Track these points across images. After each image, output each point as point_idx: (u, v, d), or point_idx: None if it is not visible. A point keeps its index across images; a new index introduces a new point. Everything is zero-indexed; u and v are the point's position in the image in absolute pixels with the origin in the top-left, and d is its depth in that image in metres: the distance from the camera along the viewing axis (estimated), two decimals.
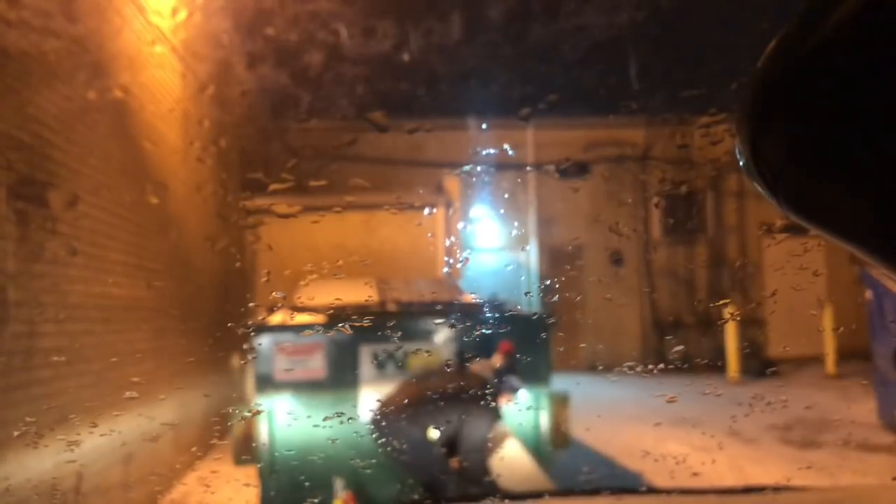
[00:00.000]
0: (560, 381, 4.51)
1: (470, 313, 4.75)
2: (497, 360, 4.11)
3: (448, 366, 4.18)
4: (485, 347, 4.15)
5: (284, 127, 8.89)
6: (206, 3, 5.35)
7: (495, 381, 4.04)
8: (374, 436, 3.95)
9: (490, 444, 4.04)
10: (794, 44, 0.50)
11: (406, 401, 3.93)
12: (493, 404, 4.04)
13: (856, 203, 0.50)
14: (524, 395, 4.19)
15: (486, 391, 3.97)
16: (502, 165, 10.84)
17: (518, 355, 4.15)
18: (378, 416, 3.98)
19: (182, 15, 5.39)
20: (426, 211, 6.26)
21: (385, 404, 3.99)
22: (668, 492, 1.68)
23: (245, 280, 6.12)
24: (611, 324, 10.98)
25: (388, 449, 3.85)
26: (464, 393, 3.95)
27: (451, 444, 3.92)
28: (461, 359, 4.18)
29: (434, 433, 3.88)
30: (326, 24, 6.97)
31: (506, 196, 10.46)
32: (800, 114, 0.50)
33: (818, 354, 9.82)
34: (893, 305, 6.50)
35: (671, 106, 9.29)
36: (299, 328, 4.19)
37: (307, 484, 3.81)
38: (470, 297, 5.16)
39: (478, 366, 4.13)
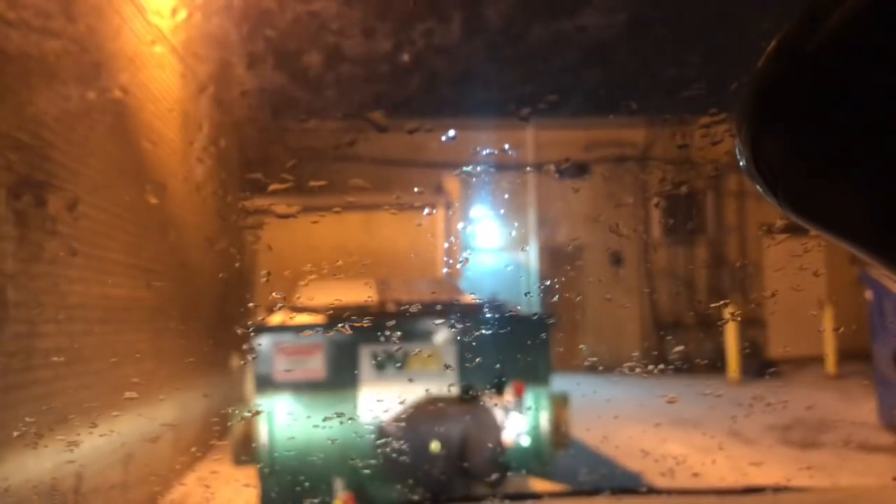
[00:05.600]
0: (560, 381, 4.51)
1: (470, 314, 4.75)
2: (508, 398, 4.14)
3: (467, 393, 4.19)
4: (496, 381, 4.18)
5: (284, 127, 8.89)
6: (206, 3, 5.34)
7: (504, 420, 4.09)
8: (378, 441, 3.95)
9: (496, 446, 4.05)
10: (794, 44, 0.49)
11: (417, 424, 3.95)
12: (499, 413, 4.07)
13: (856, 203, 0.50)
14: (525, 440, 4.22)
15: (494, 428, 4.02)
16: (502, 165, 10.84)
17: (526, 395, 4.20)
18: (387, 428, 3.99)
19: (182, 15, 5.39)
20: (426, 211, 6.25)
21: (396, 420, 3.99)
22: (668, 492, 1.68)
23: (245, 280, 6.11)
24: (611, 324, 10.98)
25: (392, 455, 3.85)
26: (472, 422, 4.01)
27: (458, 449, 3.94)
28: (470, 389, 4.19)
29: (437, 445, 3.88)
30: (326, 24, 6.97)
31: (506, 196, 10.45)
32: (800, 114, 0.49)
33: (818, 355, 9.82)
34: (893, 306, 6.50)
35: (671, 106, 9.28)
36: (299, 328, 4.19)
37: (307, 484, 3.81)
38: (470, 298, 5.16)
39: (490, 401, 4.15)
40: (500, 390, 4.11)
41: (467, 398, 4.12)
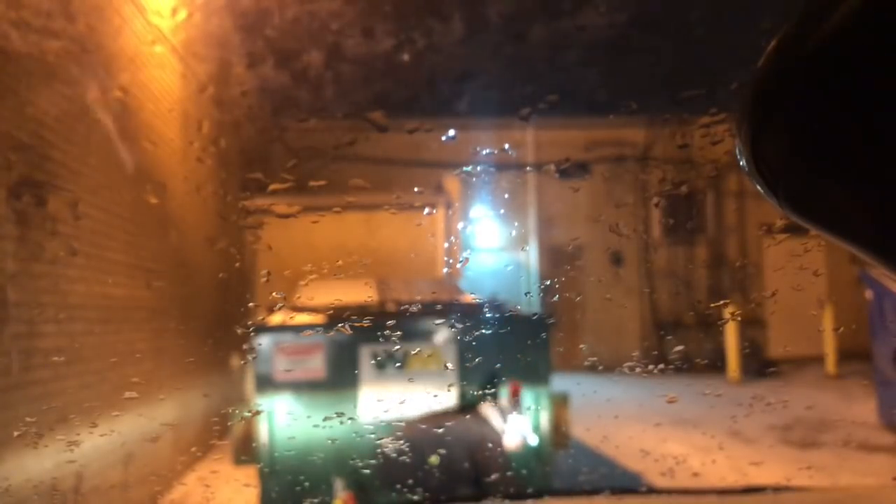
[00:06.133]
0: (560, 381, 4.51)
1: (470, 313, 4.75)
2: (506, 402, 4.12)
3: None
4: (491, 383, 4.15)
5: (284, 127, 8.89)
6: (206, 3, 5.34)
7: (505, 424, 4.07)
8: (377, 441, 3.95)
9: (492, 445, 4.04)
10: (794, 44, 0.49)
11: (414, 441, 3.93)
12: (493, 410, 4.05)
13: (856, 203, 0.50)
14: (533, 439, 4.20)
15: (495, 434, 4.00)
16: (502, 165, 10.84)
17: (523, 394, 4.17)
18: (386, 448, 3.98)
19: (182, 15, 5.39)
20: (426, 211, 6.25)
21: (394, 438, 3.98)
22: (668, 492, 1.68)
23: (245, 280, 6.12)
24: (611, 324, 10.98)
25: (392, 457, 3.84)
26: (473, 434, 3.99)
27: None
28: (469, 399, 4.16)
29: (435, 459, 3.86)
30: (326, 24, 6.97)
31: (506, 196, 10.45)
32: (800, 114, 0.50)
33: (818, 354, 9.82)
34: (893, 305, 6.50)
35: (671, 106, 9.29)
36: (299, 328, 4.19)
37: (307, 484, 3.81)
38: (470, 298, 5.16)
39: (487, 408, 4.13)
40: (496, 394, 4.10)
41: (466, 405, 4.10)
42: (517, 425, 4.08)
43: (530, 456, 4.29)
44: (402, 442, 3.79)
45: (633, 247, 12.04)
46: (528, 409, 4.28)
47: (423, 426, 3.94)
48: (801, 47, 0.49)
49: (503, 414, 4.08)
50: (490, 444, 4.01)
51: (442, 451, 3.85)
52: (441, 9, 8.43)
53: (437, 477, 3.80)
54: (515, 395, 4.13)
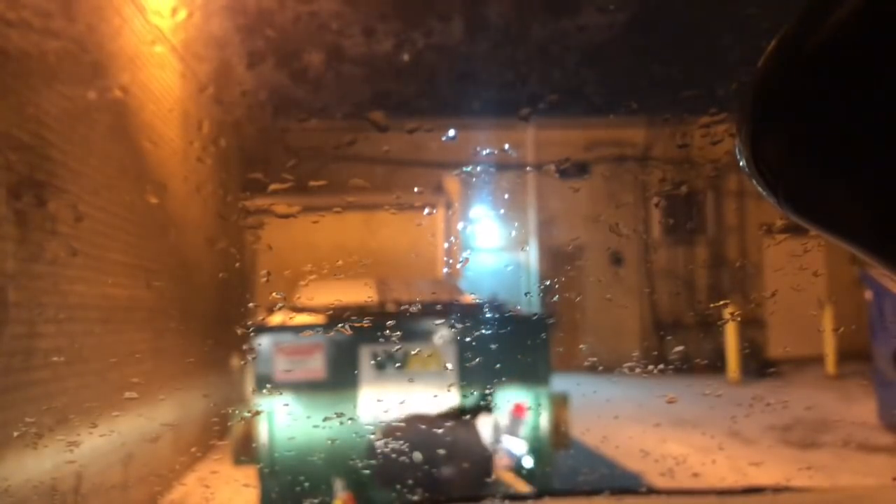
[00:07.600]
0: (560, 382, 4.50)
1: (470, 313, 4.75)
2: (507, 421, 4.09)
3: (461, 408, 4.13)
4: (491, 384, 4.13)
5: (284, 127, 8.89)
6: (206, 3, 5.35)
7: (496, 442, 4.03)
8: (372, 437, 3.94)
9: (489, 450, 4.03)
10: (794, 44, 0.49)
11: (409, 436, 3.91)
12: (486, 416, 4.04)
13: (855, 203, 0.50)
14: (527, 461, 4.17)
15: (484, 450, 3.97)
16: (502, 165, 10.84)
17: (527, 418, 4.13)
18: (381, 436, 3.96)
19: (182, 15, 5.40)
20: (426, 211, 6.25)
21: (388, 432, 3.97)
22: (668, 492, 1.68)
23: (245, 280, 6.12)
24: (611, 324, 10.98)
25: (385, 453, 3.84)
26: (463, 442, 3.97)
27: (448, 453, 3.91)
28: (467, 411, 4.13)
29: (418, 455, 3.84)
30: (326, 24, 6.97)
31: (506, 196, 10.45)
32: (800, 114, 0.50)
33: (818, 355, 9.81)
34: (893, 306, 6.50)
35: (671, 106, 9.29)
36: (299, 328, 4.19)
37: (307, 484, 3.81)
38: (470, 298, 5.16)
39: (483, 422, 4.09)
40: (496, 405, 4.07)
41: (465, 413, 4.07)
42: (512, 447, 4.05)
43: (530, 455, 4.29)
44: (397, 438, 3.78)
45: (633, 247, 12.03)
46: (529, 430, 4.23)
47: (419, 428, 3.93)
48: (801, 47, 0.49)
49: (500, 433, 4.05)
50: (479, 461, 3.98)
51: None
52: (441, 9, 8.43)
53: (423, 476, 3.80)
54: (518, 417, 4.10)
